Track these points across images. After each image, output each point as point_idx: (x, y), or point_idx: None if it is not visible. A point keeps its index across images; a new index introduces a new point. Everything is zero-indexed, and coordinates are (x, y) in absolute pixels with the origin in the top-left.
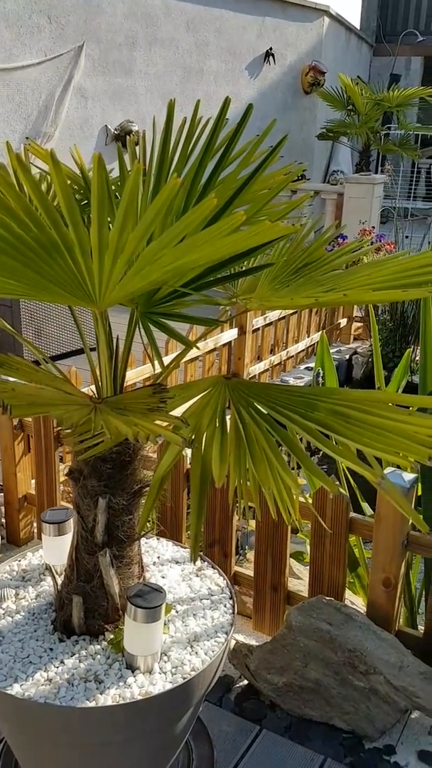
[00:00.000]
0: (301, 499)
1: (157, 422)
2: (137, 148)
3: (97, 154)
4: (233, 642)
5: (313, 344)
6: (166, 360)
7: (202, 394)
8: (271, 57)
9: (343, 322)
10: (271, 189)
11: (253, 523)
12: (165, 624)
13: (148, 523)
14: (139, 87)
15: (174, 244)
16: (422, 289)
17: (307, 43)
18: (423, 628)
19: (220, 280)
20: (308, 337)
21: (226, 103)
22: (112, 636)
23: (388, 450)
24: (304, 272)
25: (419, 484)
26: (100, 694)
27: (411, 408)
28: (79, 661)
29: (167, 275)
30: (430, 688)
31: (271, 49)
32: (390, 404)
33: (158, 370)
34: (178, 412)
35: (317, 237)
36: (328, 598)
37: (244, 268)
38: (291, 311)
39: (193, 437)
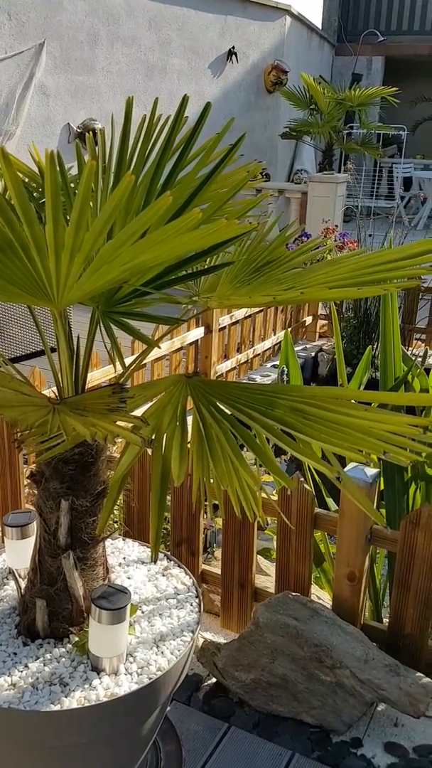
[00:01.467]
0: (267, 495)
1: (119, 422)
2: (97, 147)
3: (49, 151)
4: (201, 640)
5: (279, 342)
6: (132, 359)
7: (163, 393)
8: (233, 56)
9: (309, 319)
10: (230, 188)
11: (221, 521)
12: (130, 625)
13: (114, 524)
14: (102, 85)
15: (131, 242)
16: (377, 287)
17: (270, 42)
18: (387, 621)
19: (180, 278)
20: (274, 335)
21: (184, 101)
22: (77, 638)
23: (343, 446)
24: (264, 271)
25: (381, 479)
26: (65, 697)
27: (373, 404)
28: (44, 665)
29: (125, 274)
30: (395, 680)
31: (233, 47)
32: (349, 400)
33: (121, 370)
34: (140, 411)
35: (279, 235)
36: (294, 593)
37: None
38: (257, 309)
39: (153, 437)
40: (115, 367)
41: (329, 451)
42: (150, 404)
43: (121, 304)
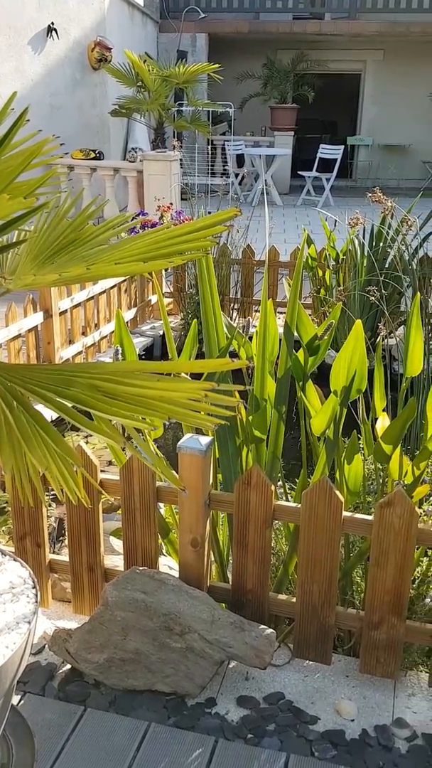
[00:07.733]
0: (109, 476)
1: None
2: None
3: None
4: (53, 629)
5: (126, 321)
6: None
7: None
8: (53, 32)
9: (154, 298)
10: (15, 165)
11: None
12: None
13: None
14: None
15: None
16: (163, 261)
17: (90, 18)
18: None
19: None
20: None
21: None
22: None
23: (132, 417)
24: (70, 248)
25: (216, 447)
26: None
27: (197, 376)
28: None
29: None
30: (241, 636)
31: (52, 23)
32: (145, 373)
33: None
34: None
35: (81, 212)
36: (141, 568)
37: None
38: (99, 291)
39: None
40: None
41: (129, 425)
42: None
43: None
